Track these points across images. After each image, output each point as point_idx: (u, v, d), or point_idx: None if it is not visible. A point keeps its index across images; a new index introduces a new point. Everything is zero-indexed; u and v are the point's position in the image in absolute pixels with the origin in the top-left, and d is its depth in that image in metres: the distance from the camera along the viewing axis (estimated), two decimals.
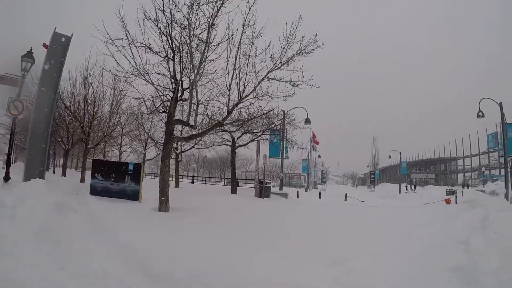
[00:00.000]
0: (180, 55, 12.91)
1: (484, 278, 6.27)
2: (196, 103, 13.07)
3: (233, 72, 13.35)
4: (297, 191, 32.55)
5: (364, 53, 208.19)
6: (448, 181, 77.70)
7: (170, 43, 12.66)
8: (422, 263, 6.68)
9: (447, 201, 24.71)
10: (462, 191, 41.42)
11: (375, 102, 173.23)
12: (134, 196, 14.68)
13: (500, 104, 24.59)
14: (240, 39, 13.02)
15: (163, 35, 12.68)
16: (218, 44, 13.04)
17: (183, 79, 13.16)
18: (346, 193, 32.32)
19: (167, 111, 13.60)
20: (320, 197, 31.97)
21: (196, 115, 13.30)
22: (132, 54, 12.61)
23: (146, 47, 12.64)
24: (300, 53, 13.01)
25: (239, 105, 13.85)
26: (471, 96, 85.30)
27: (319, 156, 57.00)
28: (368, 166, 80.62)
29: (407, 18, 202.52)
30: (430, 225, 11.84)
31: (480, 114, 25.08)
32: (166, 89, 13.53)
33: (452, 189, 44.29)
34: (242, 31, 12.86)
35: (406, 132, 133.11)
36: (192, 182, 40.99)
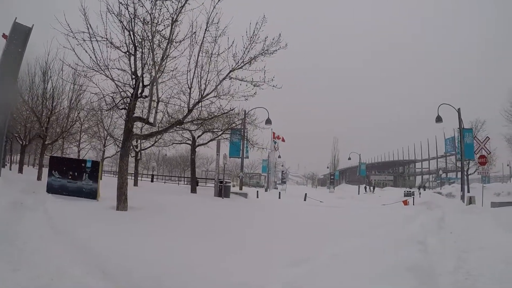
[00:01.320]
0: (142, 51, 12.72)
1: (441, 278, 6.48)
2: (157, 100, 12.91)
3: (195, 70, 13.25)
4: (257, 191, 32.61)
5: (330, 55, 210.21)
6: (406, 183, 79.69)
7: (132, 38, 12.45)
8: (380, 263, 6.78)
9: (405, 203, 25.32)
10: (420, 193, 42.53)
11: (337, 105, 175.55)
12: (92, 194, 14.37)
13: (458, 110, 25.40)
14: (203, 37, 12.95)
15: (125, 30, 12.45)
16: (181, 41, 12.93)
17: (144, 75, 12.98)
18: (306, 194, 32.54)
19: (126, 107, 13.40)
20: (279, 197, 32.09)
21: (156, 112, 13.13)
22: (93, 48, 12.33)
23: (107, 42, 12.39)
24: (263, 53, 13.04)
25: (199, 104, 13.75)
26: (430, 101, 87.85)
27: (279, 157, 57.47)
28: (328, 167, 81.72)
29: (379, 21, 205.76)
30: (388, 226, 12.13)
31: (439, 119, 25.84)
32: (126, 85, 13.31)
33: (410, 191, 45.48)
34: (206, 29, 12.75)
35: (366, 134, 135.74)
36: (152, 181, 40.46)
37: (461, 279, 6.40)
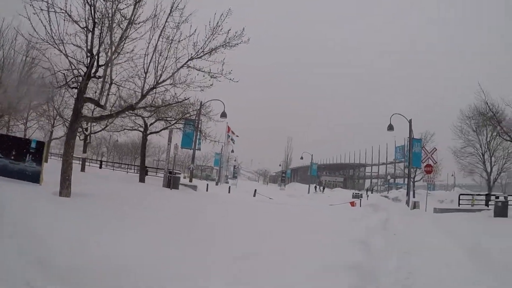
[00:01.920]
0: (101, 29, 12.30)
1: (382, 277, 6.65)
2: (110, 82, 12.53)
3: (153, 54, 12.95)
4: (207, 184, 32.47)
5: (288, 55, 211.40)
6: (355, 185, 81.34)
7: (93, 14, 11.98)
8: (320, 261, 6.89)
9: (352, 204, 25.86)
10: (368, 195, 43.50)
11: (293, 103, 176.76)
12: (35, 177, 13.51)
13: (410, 121, 26.33)
14: (166, 22, 12.70)
15: (86, 4, 11.99)
16: (142, 22, 12.61)
17: (100, 54, 12.54)
18: (256, 190, 32.69)
19: (78, 87, 12.91)
20: (229, 192, 32.10)
21: (108, 95, 12.73)
22: (49, 19, 11.79)
23: (66, 14, 11.86)
24: (224, 45, 12.92)
25: (154, 90, 13.46)
26: (386, 111, 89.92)
27: (232, 151, 57.35)
28: (280, 165, 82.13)
29: (335, 23, 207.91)
30: (333, 225, 12.30)
31: (390, 127, 26.66)
32: (80, 63, 12.82)
33: (358, 193, 46.37)
34: (169, 14, 12.50)
35: (320, 135, 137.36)
36: (100, 167, 39.43)
37: (401, 278, 6.60)
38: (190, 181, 28.53)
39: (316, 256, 7.24)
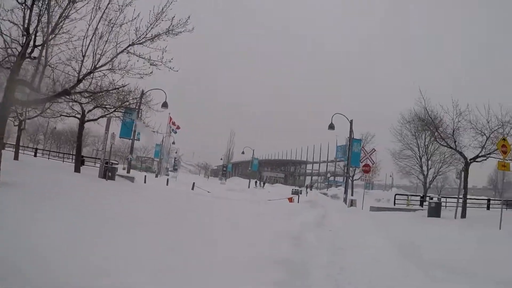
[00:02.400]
0: (40, 6, 11.68)
1: (314, 271, 6.64)
2: (44, 64, 11.93)
3: (93, 37, 12.46)
4: (145, 176, 31.77)
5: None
6: (296, 182, 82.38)
7: None
8: (247, 256, 6.72)
9: (290, 200, 26.10)
10: (307, 192, 44.20)
11: (237, 98, 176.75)
12: None
13: (351, 121, 26.97)
14: (109, 3, 12.23)
15: None
16: (83, 1, 12.07)
17: (37, 34, 11.92)
18: (194, 183, 32.40)
19: (11, 67, 12.22)
20: (167, 184, 31.63)
21: (42, 77, 12.13)
22: None
23: None
24: (167, 33, 12.63)
25: (92, 75, 12.96)
26: (329, 110, 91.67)
27: (173, 143, 56.50)
28: (221, 159, 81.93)
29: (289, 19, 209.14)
30: (268, 221, 12.29)
31: (331, 126, 27.18)
32: (14, 41, 12.14)
33: (297, 189, 46.96)
34: None
35: (263, 131, 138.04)
36: (35, 155, 37.78)
37: (333, 274, 6.61)
38: (128, 172, 27.81)
39: (244, 252, 7.05)
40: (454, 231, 12.59)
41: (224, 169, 74.40)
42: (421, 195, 31.00)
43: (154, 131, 24.57)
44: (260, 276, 5.77)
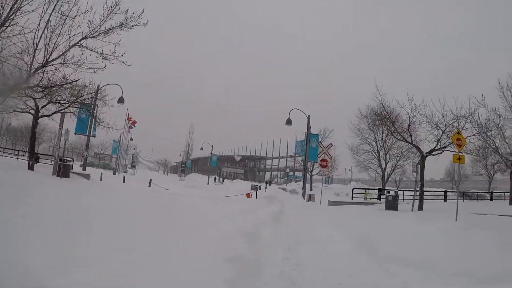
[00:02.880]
0: None
1: (267, 269, 6.46)
2: None
3: (45, 30, 12.00)
4: (101, 173, 30.99)
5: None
6: (256, 177, 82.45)
7: None
8: (198, 255, 6.55)
9: (248, 195, 25.99)
10: (266, 188, 44.22)
11: (195, 93, 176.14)
12: None
13: (308, 117, 26.95)
14: None
15: None
16: None
17: None
18: (151, 180, 31.89)
19: None
20: (124, 181, 31.01)
21: None
22: None
23: None
24: (121, 26, 12.27)
25: (44, 69, 12.48)
26: (287, 105, 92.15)
27: (131, 139, 55.56)
28: (180, 155, 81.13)
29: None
30: (224, 217, 12.06)
31: (289, 121, 27.17)
32: None
33: (257, 185, 46.90)
34: None
35: (221, 126, 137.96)
36: None
37: (287, 270, 6.46)
38: (84, 169, 27.02)
39: (194, 250, 6.86)
40: (410, 224, 12.67)
41: (183, 165, 73.63)
42: (379, 189, 31.45)
43: (109, 127, 23.94)
44: (210, 275, 5.57)
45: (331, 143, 31.50)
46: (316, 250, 8.08)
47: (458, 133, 15.29)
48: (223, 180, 59.92)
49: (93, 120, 24.51)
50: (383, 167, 37.14)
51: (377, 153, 37.89)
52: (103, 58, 12.27)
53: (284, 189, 38.64)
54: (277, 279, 6.04)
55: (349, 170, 63.70)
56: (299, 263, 6.91)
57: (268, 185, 53.51)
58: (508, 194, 30.41)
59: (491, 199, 38.05)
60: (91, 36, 12.13)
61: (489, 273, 6.81)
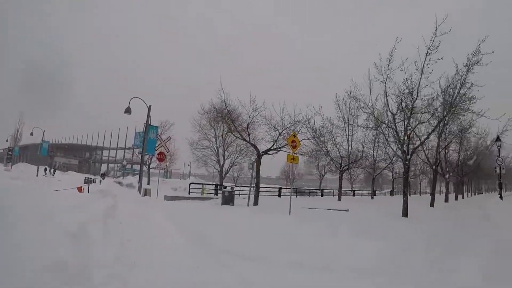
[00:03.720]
0: None
1: (97, 272, 5.94)
2: None
3: None
4: None
5: None
6: (91, 169, 78.99)
7: None
8: (10, 263, 5.27)
9: (79, 189, 24.52)
10: (100, 181, 42.50)
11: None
12: None
13: (149, 107, 26.04)
14: None
15: None
16: None
17: None
18: None
19: None
20: None
21: None
22: None
23: None
24: None
25: None
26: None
27: None
28: (7, 141, 73.77)
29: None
30: (44, 215, 11.13)
31: (128, 110, 25.86)
32: None
33: (91, 178, 44.91)
34: None
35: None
36: None
37: (119, 270, 6.16)
38: None
39: (4, 257, 5.85)
40: (246, 218, 13.14)
41: (10, 153, 67.35)
42: (216, 184, 32.20)
43: None
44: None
45: (169, 136, 31.42)
46: (151, 247, 7.83)
47: (294, 135, 16.36)
48: (54, 172, 56.04)
49: None
50: (222, 163, 38.16)
51: (216, 150, 38.81)
52: None
53: (120, 182, 37.34)
54: (108, 282, 5.63)
55: (188, 165, 64.30)
56: (132, 262, 6.61)
57: (102, 178, 51.62)
58: (337, 191, 33.78)
59: (322, 195, 41.62)
60: None
61: (319, 262, 7.22)
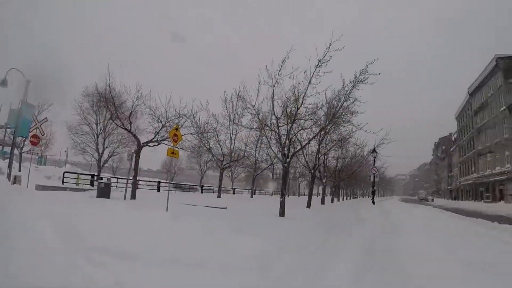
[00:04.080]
0: None
1: None
2: None
3: None
4: None
5: None
6: None
7: None
8: None
9: None
10: None
11: None
12: None
13: (27, 82, 23.30)
14: None
15: None
16: None
17: None
18: None
19: None
20: None
21: None
22: None
23: None
24: None
25: None
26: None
27: None
28: None
29: None
30: None
31: (3, 83, 22.61)
32: None
33: None
34: None
35: None
36: None
37: None
38: None
39: None
40: (122, 213, 12.69)
41: None
42: (92, 174, 30.85)
43: None
44: None
45: (46, 117, 28.53)
46: (10, 244, 7.25)
47: (176, 129, 16.12)
48: None
49: None
50: (101, 152, 36.61)
51: (95, 137, 37.08)
52: None
53: None
54: None
55: (65, 151, 60.65)
56: None
57: None
58: (217, 188, 34.17)
59: (202, 192, 41.76)
60: None
61: (195, 259, 7.25)
